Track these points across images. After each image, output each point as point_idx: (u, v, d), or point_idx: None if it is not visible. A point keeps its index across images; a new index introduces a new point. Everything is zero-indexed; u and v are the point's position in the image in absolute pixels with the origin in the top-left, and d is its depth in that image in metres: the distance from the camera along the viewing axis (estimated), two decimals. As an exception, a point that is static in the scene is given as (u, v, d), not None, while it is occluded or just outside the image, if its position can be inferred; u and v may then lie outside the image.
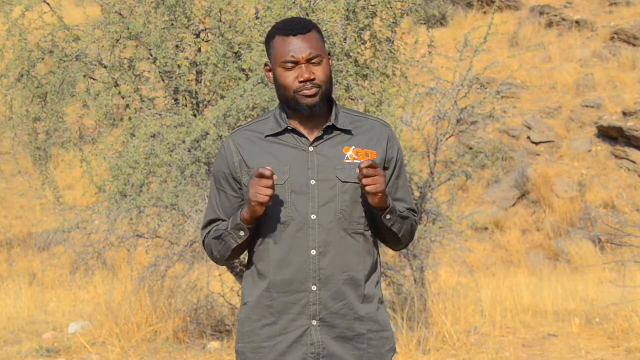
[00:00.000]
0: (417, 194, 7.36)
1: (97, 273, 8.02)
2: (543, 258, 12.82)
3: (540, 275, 11.01)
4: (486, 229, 13.63)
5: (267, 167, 2.42)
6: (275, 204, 2.49)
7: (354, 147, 2.55)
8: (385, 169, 2.58)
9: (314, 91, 2.49)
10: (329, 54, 2.58)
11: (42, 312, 8.63)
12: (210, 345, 6.76)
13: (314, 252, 2.48)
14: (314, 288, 2.49)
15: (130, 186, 6.08)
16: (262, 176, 2.41)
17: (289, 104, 2.53)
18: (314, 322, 2.50)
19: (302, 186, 2.49)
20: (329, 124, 2.55)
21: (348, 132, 2.56)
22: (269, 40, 2.56)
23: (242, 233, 2.51)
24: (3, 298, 9.53)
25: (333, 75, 5.70)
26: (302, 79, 2.48)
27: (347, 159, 2.53)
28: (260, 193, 2.42)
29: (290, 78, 2.50)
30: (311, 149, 2.53)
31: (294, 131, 2.54)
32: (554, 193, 14.12)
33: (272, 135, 2.55)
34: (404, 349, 6.42)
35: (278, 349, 2.52)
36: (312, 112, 2.51)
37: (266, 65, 2.60)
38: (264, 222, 2.52)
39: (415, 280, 7.16)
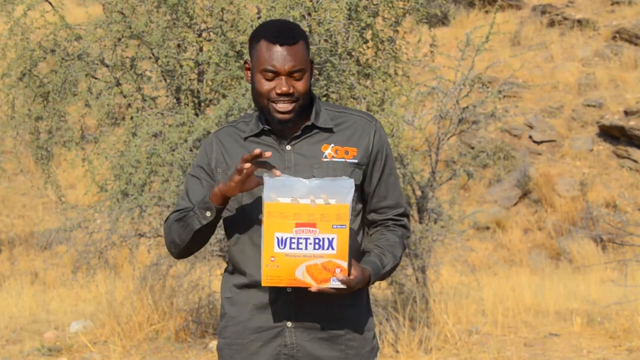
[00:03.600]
0: (418, 193, 7.36)
1: (99, 272, 8.02)
2: (545, 257, 12.82)
3: (542, 274, 11.01)
4: (488, 228, 13.64)
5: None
6: (252, 203, 2.45)
7: (333, 145, 2.48)
8: (369, 164, 2.51)
9: (290, 106, 2.43)
10: (312, 61, 2.51)
11: (43, 311, 8.64)
12: (211, 344, 6.76)
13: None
14: (289, 289, 2.43)
15: (132, 185, 6.09)
16: (253, 156, 2.33)
17: (261, 110, 2.48)
18: (289, 324, 2.45)
19: None
20: (308, 123, 2.49)
21: (328, 129, 2.50)
22: (253, 40, 2.47)
23: (208, 213, 2.42)
24: (5, 297, 9.54)
25: (336, 75, 5.74)
26: (279, 91, 2.41)
27: (325, 157, 2.46)
28: (242, 166, 2.33)
29: (267, 86, 2.42)
30: (288, 147, 2.48)
31: (271, 132, 2.49)
32: (556, 192, 14.11)
33: (251, 136, 2.50)
34: (406, 348, 6.42)
35: (250, 348, 2.48)
36: (283, 126, 2.45)
37: (245, 62, 2.53)
38: (241, 221, 2.48)
39: (416, 280, 7.16)
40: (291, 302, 2.45)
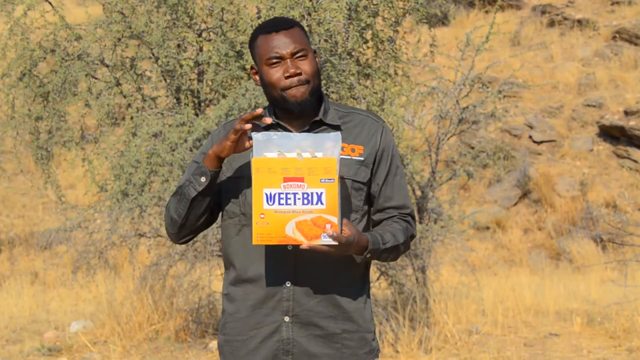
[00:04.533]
0: (418, 193, 7.36)
1: (99, 272, 8.02)
2: (545, 257, 12.82)
3: (542, 274, 11.01)
4: (488, 228, 13.64)
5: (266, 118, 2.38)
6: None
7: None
8: (375, 163, 2.51)
9: (302, 89, 2.43)
10: (314, 52, 2.52)
11: (43, 311, 8.64)
12: (211, 344, 6.76)
13: (290, 247, 2.40)
14: (288, 284, 2.42)
15: (132, 185, 6.09)
16: (253, 115, 2.36)
17: (277, 103, 2.48)
18: (286, 319, 2.43)
19: None
20: (317, 119, 2.50)
21: (336, 127, 2.50)
22: (252, 42, 2.50)
23: (202, 178, 2.42)
24: (5, 297, 9.54)
25: (335, 75, 5.74)
26: (288, 74, 2.42)
27: None
28: (240, 124, 2.35)
29: (276, 75, 2.44)
30: None
31: (279, 125, 2.50)
32: (556, 192, 14.11)
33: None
34: (406, 348, 6.42)
35: (250, 344, 2.47)
36: (302, 108, 2.45)
37: (252, 68, 2.54)
38: (242, 210, 2.47)
39: (416, 280, 7.16)
40: (289, 298, 2.44)
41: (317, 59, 2.52)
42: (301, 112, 2.47)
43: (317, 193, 2.28)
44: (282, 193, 2.28)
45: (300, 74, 2.43)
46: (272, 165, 2.28)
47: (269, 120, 2.38)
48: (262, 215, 2.29)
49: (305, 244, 2.28)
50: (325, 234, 2.28)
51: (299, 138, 2.32)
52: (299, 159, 2.29)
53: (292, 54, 2.44)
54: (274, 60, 2.44)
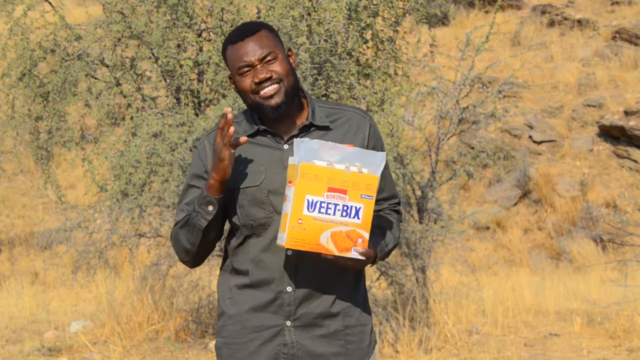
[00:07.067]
0: (418, 193, 7.36)
1: (99, 272, 8.02)
2: (545, 257, 12.82)
3: (542, 274, 11.01)
4: (488, 228, 13.64)
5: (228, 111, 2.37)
6: (253, 204, 2.46)
7: (330, 142, 2.49)
8: None
9: (274, 88, 2.44)
10: (289, 50, 2.52)
11: (43, 311, 8.64)
12: (211, 344, 6.76)
13: (290, 252, 2.43)
14: (289, 289, 2.45)
15: (132, 185, 6.09)
16: (224, 124, 2.36)
17: (253, 109, 2.49)
18: (288, 323, 2.47)
19: (279, 186, 2.44)
20: (306, 122, 2.50)
21: (325, 127, 2.51)
22: (223, 53, 2.52)
23: (210, 207, 2.44)
24: (5, 297, 9.54)
25: (335, 75, 5.74)
26: (257, 80, 2.43)
27: None
28: (221, 142, 2.37)
29: (248, 82, 2.45)
30: (286, 146, 2.49)
31: (267, 131, 2.50)
32: (556, 192, 14.11)
33: (246, 136, 2.49)
34: (406, 348, 6.42)
35: (249, 347, 2.50)
36: (278, 112, 2.45)
37: (230, 78, 2.55)
38: (243, 222, 2.49)
39: (416, 280, 7.16)
40: (291, 303, 2.47)
41: (291, 58, 2.52)
42: (278, 116, 2.47)
43: (356, 207, 2.33)
44: (324, 202, 2.32)
45: (271, 77, 2.44)
46: (319, 174, 2.31)
47: (244, 140, 2.39)
48: (300, 221, 2.31)
49: (335, 254, 2.33)
50: (355, 248, 2.34)
51: (349, 151, 2.35)
52: (347, 172, 2.33)
53: (261, 60, 2.45)
54: (245, 69, 2.45)
